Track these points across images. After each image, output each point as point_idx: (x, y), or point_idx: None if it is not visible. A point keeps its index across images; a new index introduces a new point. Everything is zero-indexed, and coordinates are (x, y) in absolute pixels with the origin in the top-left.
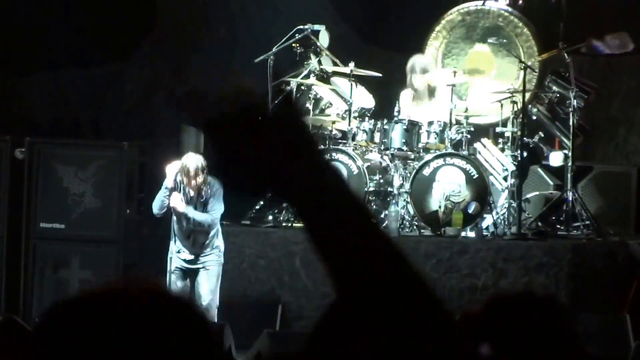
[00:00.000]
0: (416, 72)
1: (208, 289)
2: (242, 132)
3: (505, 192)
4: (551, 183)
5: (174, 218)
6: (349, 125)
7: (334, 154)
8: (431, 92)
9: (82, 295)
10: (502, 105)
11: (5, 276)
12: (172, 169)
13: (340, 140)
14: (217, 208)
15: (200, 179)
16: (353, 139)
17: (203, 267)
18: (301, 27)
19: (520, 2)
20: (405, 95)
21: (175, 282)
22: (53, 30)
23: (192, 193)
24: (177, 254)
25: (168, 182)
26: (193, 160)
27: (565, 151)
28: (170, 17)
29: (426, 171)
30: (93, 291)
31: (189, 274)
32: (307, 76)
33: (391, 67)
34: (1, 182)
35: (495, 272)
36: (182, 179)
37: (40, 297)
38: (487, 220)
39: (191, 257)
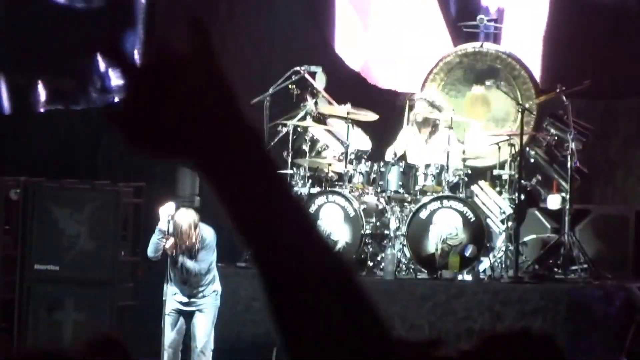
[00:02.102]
0: (428, 102)
1: (204, 332)
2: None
3: (503, 235)
4: (548, 226)
5: (170, 261)
6: (346, 167)
7: (330, 196)
8: (433, 129)
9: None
10: (499, 147)
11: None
12: (165, 212)
13: (336, 183)
14: (206, 259)
15: (193, 237)
16: (349, 181)
17: (199, 310)
18: (298, 68)
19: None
20: (406, 132)
21: (171, 325)
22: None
23: (186, 244)
24: (173, 296)
25: (162, 225)
26: (185, 217)
27: (563, 194)
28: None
29: (423, 214)
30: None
31: (185, 316)
32: (303, 118)
33: (388, 109)
34: None
35: (492, 316)
36: (176, 235)
37: (34, 339)
38: (484, 264)
39: (187, 299)
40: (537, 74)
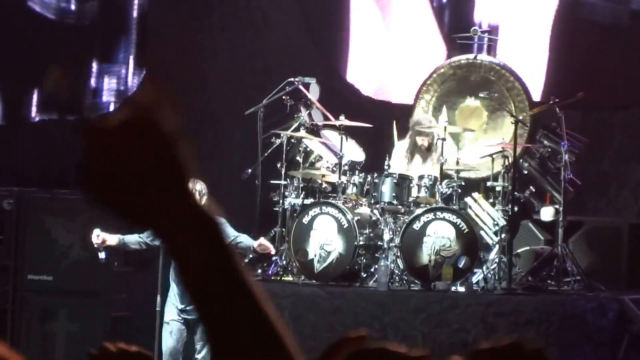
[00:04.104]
0: (422, 129)
1: (204, 341)
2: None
3: (496, 247)
4: (542, 238)
5: (172, 270)
6: (339, 178)
7: (323, 207)
8: (428, 151)
9: None
10: (493, 159)
11: None
12: (95, 239)
13: (330, 194)
14: (234, 232)
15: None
16: (343, 193)
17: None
18: (291, 79)
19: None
20: (401, 146)
21: (170, 334)
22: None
23: None
24: (174, 304)
25: (100, 255)
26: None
27: (556, 206)
28: (160, 69)
29: (416, 225)
30: None
31: (186, 325)
32: (297, 129)
33: (382, 120)
34: None
35: (486, 327)
36: None
37: (27, 350)
38: (478, 275)
39: (189, 308)
40: (536, 87)
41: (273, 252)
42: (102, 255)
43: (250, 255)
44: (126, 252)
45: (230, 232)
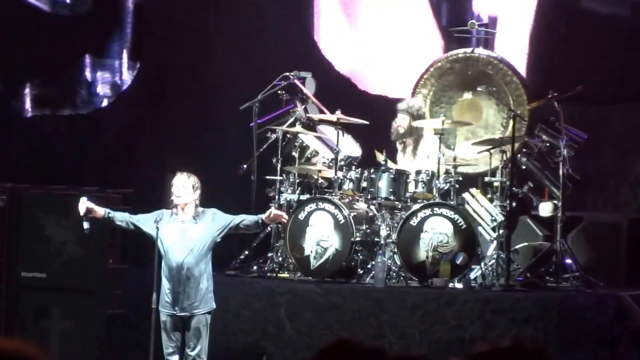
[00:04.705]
0: (409, 114)
1: (198, 338)
2: None
3: (494, 243)
4: (540, 234)
5: (165, 266)
6: (335, 174)
7: (320, 203)
8: (416, 138)
9: None
10: (490, 154)
11: None
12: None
13: (326, 190)
14: (230, 216)
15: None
16: (339, 188)
17: (193, 315)
18: (287, 73)
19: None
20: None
21: (164, 332)
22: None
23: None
24: (167, 302)
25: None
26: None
27: (555, 201)
28: (154, 62)
29: (413, 221)
30: None
31: (179, 323)
32: (292, 124)
33: (379, 115)
34: None
35: (484, 325)
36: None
37: None
38: (475, 272)
39: (182, 304)
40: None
41: (286, 218)
42: (86, 225)
43: (265, 231)
44: (112, 227)
45: (228, 217)
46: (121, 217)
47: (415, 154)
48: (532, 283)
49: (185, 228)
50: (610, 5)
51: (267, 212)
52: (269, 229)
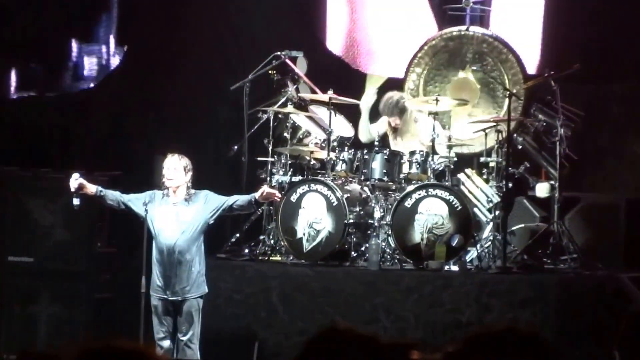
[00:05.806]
0: (395, 112)
1: (190, 323)
2: None
3: (490, 224)
4: (537, 215)
5: (155, 249)
6: (328, 155)
7: (312, 185)
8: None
9: None
10: (486, 134)
11: None
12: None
13: (319, 171)
14: (222, 197)
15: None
16: (332, 170)
17: (185, 300)
18: (278, 53)
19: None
20: (383, 121)
21: (155, 316)
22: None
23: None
24: (158, 287)
25: (75, 201)
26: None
27: (552, 182)
28: (143, 44)
29: (408, 203)
30: None
31: (171, 307)
32: (284, 104)
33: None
34: None
35: (480, 307)
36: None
37: (8, 333)
38: (471, 254)
39: (174, 288)
40: (531, 59)
41: (279, 196)
42: (76, 201)
43: (258, 211)
44: (101, 207)
45: (221, 198)
46: (112, 196)
47: (405, 135)
48: (529, 265)
49: (177, 210)
50: None
51: (260, 191)
52: (261, 210)
